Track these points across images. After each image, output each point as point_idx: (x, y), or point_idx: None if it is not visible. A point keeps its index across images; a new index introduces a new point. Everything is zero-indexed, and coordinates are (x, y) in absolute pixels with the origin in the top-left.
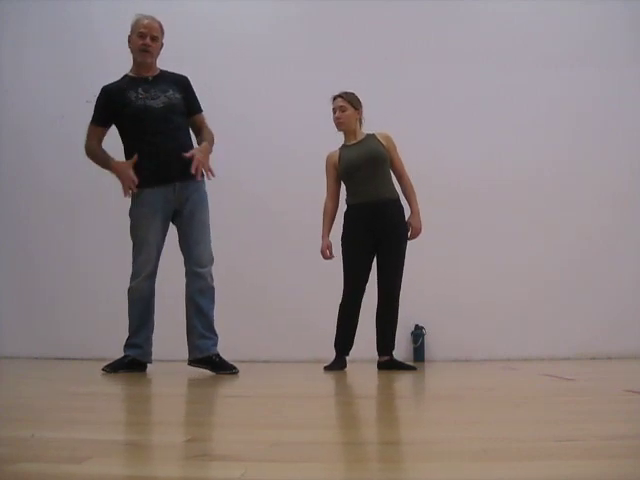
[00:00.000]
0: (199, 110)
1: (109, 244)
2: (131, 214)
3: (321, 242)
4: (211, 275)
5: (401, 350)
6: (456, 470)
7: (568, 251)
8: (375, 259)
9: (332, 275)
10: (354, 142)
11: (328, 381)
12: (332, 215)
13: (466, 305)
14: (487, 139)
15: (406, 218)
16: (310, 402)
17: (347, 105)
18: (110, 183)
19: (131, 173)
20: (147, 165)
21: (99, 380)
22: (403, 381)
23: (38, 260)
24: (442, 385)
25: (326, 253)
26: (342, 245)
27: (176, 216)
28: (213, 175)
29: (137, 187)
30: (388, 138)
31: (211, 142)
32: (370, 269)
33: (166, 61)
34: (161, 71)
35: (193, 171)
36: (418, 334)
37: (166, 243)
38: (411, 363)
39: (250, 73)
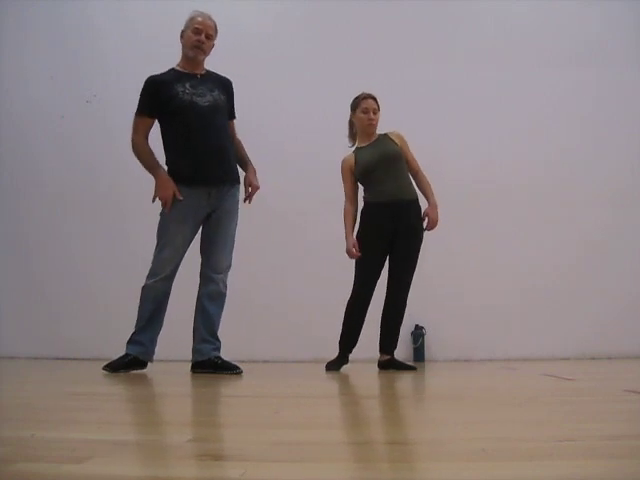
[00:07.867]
0: (234, 116)
1: (109, 244)
2: (162, 214)
3: (346, 242)
4: (224, 282)
5: (401, 350)
6: (456, 470)
7: (568, 251)
8: (388, 259)
9: (332, 276)
10: (368, 143)
11: (328, 381)
12: (354, 217)
13: (466, 305)
14: (487, 139)
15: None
16: (310, 402)
17: (377, 108)
18: (110, 184)
19: (172, 194)
20: (186, 163)
21: (99, 380)
22: (403, 381)
23: (38, 260)
24: (442, 385)
25: (352, 252)
26: (358, 243)
27: (205, 219)
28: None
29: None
30: (400, 137)
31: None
32: (382, 268)
33: (166, 62)
34: (207, 71)
35: (249, 201)
36: (418, 334)
37: None
38: (411, 363)
39: (250, 73)
